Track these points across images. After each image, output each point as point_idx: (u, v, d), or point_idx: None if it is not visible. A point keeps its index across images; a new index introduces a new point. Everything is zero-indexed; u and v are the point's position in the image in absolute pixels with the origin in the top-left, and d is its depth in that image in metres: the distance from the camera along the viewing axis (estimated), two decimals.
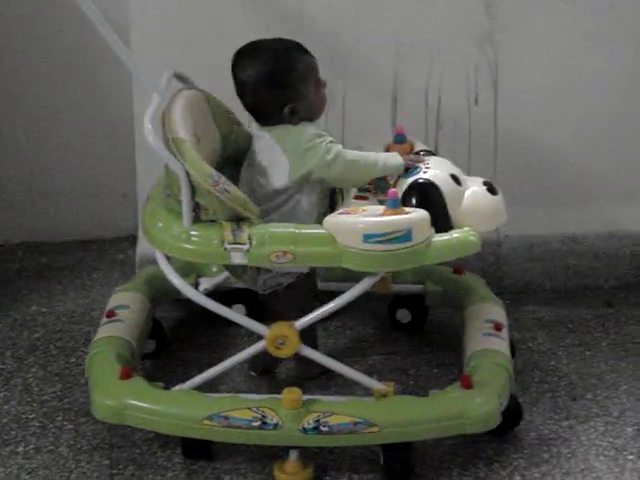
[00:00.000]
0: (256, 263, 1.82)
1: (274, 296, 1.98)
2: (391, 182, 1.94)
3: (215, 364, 1.97)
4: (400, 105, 2.49)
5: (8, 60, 2.52)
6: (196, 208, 1.83)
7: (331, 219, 1.84)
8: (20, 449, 1.96)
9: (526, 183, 2.57)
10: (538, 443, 1.97)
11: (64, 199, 2.65)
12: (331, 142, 1.89)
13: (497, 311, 2.13)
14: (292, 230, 1.82)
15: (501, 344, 2.01)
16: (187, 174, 1.78)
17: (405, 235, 1.78)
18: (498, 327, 2.05)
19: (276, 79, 1.91)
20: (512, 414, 1.95)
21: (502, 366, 1.94)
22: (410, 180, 1.90)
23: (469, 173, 2.55)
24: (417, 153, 2.01)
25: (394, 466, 1.87)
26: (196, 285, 2.18)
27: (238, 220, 1.82)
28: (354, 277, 1.89)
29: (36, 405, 2.09)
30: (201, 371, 1.97)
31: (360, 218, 1.82)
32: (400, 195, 1.85)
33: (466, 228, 1.87)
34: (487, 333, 2.03)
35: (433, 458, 1.93)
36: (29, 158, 2.61)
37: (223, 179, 1.80)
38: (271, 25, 2.28)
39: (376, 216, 1.81)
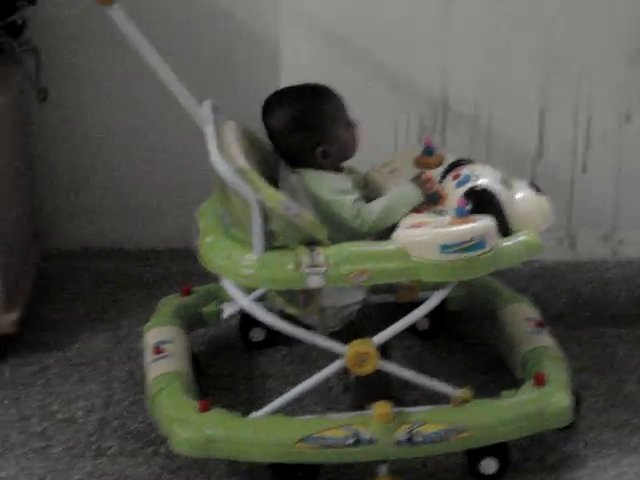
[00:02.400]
0: (334, 284, 1.81)
1: (350, 325, 1.93)
2: (443, 192, 1.90)
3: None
4: (548, 123, 2.46)
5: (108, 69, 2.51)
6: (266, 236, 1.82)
7: (401, 233, 1.83)
8: (163, 449, 1.99)
9: None
10: None
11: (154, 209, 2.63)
12: (355, 200, 1.87)
13: (531, 309, 2.16)
14: (367, 248, 1.82)
15: (550, 340, 2.06)
16: (259, 202, 1.78)
17: (480, 242, 1.79)
18: (540, 324, 2.10)
19: (304, 121, 1.91)
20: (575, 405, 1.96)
21: (561, 360, 2.01)
22: (463, 189, 1.88)
23: (617, 191, 2.52)
24: (456, 163, 1.96)
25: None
26: (219, 311, 2.16)
27: (309, 244, 1.82)
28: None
29: None
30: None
31: (434, 229, 1.81)
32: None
33: (525, 231, 1.87)
34: (533, 331, 2.08)
35: None
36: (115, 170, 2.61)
37: (294, 204, 1.80)
38: None
39: (448, 226, 1.80)
